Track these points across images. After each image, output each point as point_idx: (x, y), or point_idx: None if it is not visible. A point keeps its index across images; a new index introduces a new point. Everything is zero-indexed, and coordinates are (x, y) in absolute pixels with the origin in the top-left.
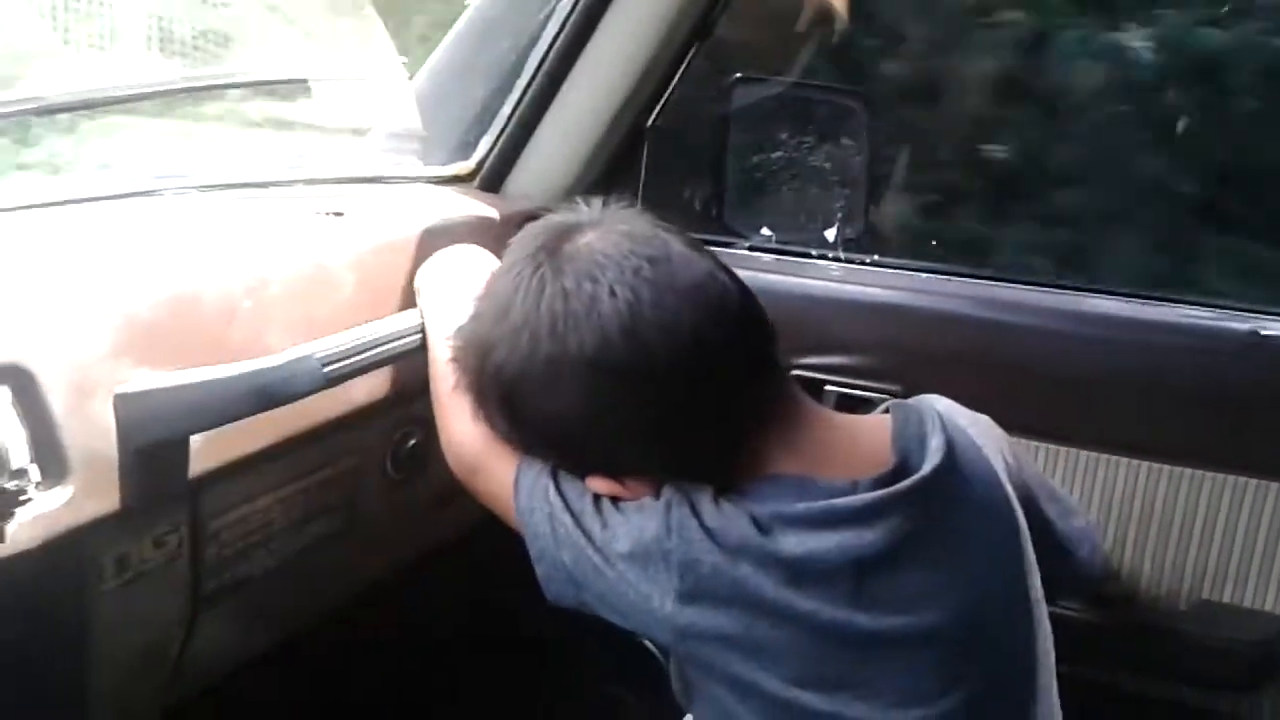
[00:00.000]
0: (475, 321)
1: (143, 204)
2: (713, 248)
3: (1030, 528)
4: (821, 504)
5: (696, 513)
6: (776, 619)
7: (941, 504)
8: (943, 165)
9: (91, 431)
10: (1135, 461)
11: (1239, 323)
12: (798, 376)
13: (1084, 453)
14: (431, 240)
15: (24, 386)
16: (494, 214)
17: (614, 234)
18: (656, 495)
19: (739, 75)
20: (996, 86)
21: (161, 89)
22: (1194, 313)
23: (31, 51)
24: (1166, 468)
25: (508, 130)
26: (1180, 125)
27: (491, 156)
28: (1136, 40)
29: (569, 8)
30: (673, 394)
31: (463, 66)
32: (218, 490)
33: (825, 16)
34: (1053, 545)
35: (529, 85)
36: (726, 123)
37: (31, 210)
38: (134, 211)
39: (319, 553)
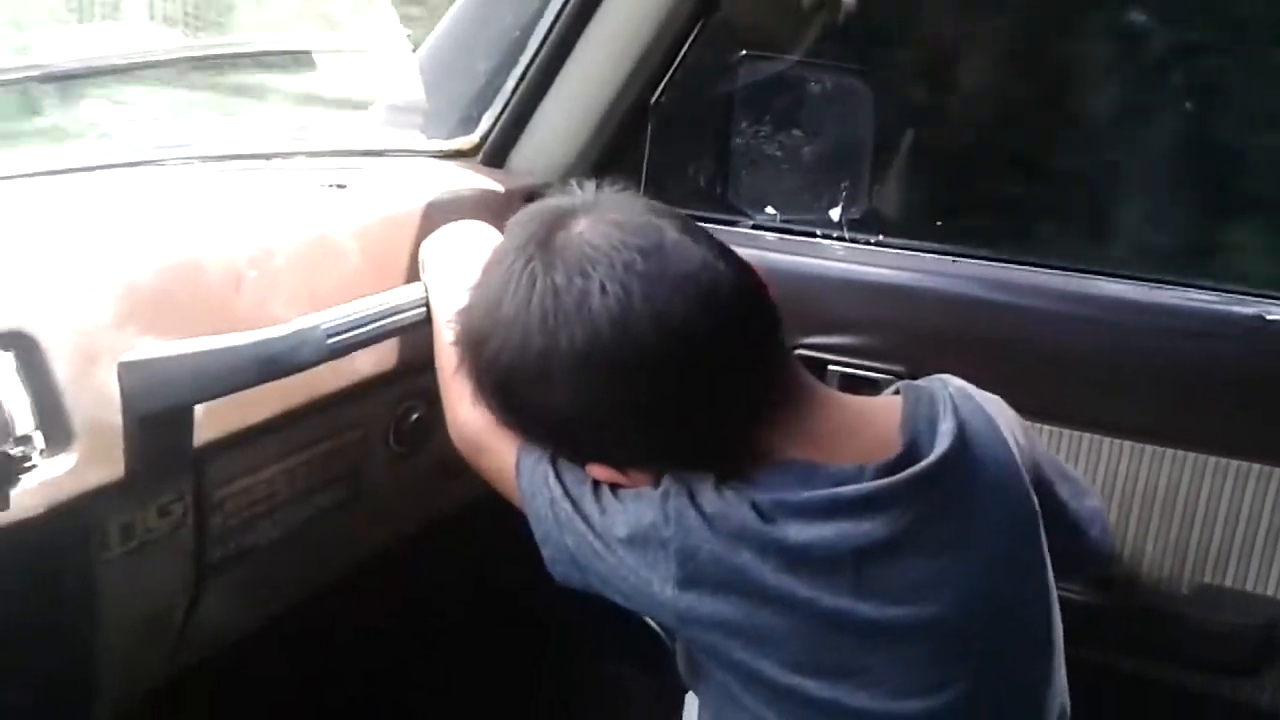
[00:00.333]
0: (468, 313)
1: (146, 174)
2: (715, 226)
3: (1042, 508)
4: (824, 493)
5: (695, 501)
6: (777, 606)
7: (949, 490)
8: (950, 145)
9: (96, 399)
10: (1138, 445)
11: (1245, 306)
12: (800, 356)
13: (1087, 435)
14: (435, 214)
15: (28, 353)
16: (497, 189)
17: (606, 224)
18: (656, 484)
19: (745, 53)
20: (1006, 65)
21: (166, 59)
22: (1200, 296)
23: (38, 19)
24: (1170, 451)
25: (511, 105)
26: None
27: (495, 131)
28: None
29: None
30: (666, 387)
31: (466, 40)
32: (222, 460)
33: None
34: (1065, 526)
35: (533, 60)
36: (732, 100)
37: (37, 178)
38: (138, 181)
39: (323, 524)
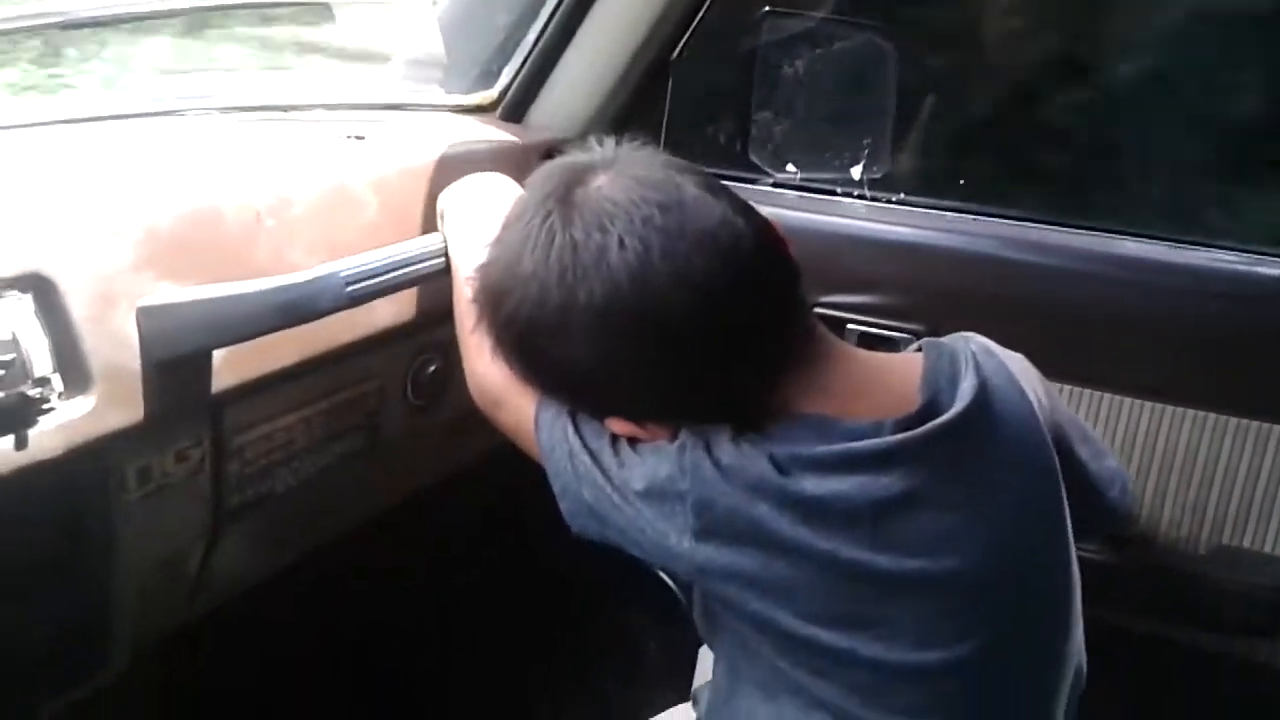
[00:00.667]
0: (487, 268)
1: (165, 123)
2: (735, 184)
3: (1062, 469)
4: (840, 447)
5: (712, 453)
6: (794, 558)
7: (969, 446)
8: (973, 104)
9: (114, 343)
10: (1158, 405)
11: (1269, 267)
12: (819, 315)
13: (1107, 395)
14: (453, 167)
15: (47, 295)
16: (516, 144)
17: (625, 179)
18: (674, 437)
19: (767, 8)
20: (1032, 22)
21: (186, 7)
22: (1223, 256)
23: None
24: (1190, 411)
25: (531, 60)
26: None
27: (514, 87)
28: None
29: None
30: (684, 342)
31: None
32: (240, 407)
33: None
34: (1084, 486)
35: (553, 15)
36: (753, 57)
37: (56, 126)
38: (157, 130)
39: (340, 473)
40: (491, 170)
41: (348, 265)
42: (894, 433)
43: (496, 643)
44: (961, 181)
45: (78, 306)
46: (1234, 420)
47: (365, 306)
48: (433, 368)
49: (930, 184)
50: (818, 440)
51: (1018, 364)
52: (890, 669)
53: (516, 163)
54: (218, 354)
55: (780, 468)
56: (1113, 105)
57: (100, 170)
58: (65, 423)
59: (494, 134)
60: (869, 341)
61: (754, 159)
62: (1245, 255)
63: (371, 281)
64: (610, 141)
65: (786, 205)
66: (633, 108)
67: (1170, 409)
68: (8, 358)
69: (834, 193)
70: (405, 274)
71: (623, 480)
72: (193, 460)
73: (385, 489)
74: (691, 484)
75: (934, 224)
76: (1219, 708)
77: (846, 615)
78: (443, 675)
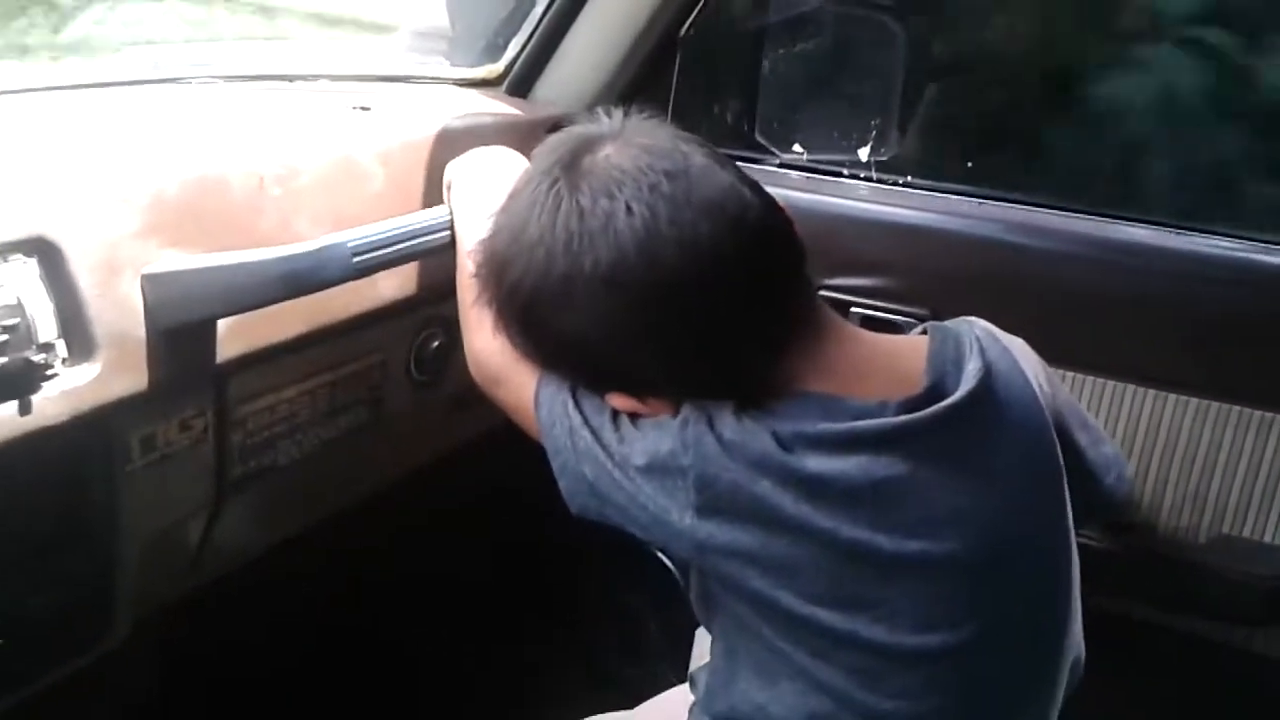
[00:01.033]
0: (492, 238)
1: (171, 91)
2: (741, 164)
3: (1061, 454)
4: (844, 425)
5: (714, 428)
6: (795, 536)
7: (973, 429)
8: (981, 86)
9: (119, 310)
10: (1159, 392)
11: (1272, 255)
12: (822, 298)
13: (1109, 382)
14: (459, 140)
15: (52, 260)
16: (522, 118)
17: (632, 148)
18: (676, 413)
19: None
20: (1041, 4)
21: None
22: (1225, 244)
23: None
24: (1191, 400)
25: (537, 34)
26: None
27: (520, 61)
28: None
29: None
30: (689, 311)
31: None
32: (245, 377)
33: None
34: (1082, 472)
35: None
36: (762, 35)
37: (62, 92)
38: (163, 97)
39: (344, 446)
40: (497, 144)
41: (354, 236)
42: (899, 414)
43: (496, 619)
44: (968, 165)
45: (83, 272)
46: (1235, 409)
47: (369, 280)
48: (436, 343)
49: (937, 167)
50: (822, 418)
51: (1020, 349)
52: (890, 651)
53: (522, 137)
54: (222, 324)
55: (783, 444)
56: (1122, 90)
57: (107, 136)
58: (69, 389)
59: (500, 108)
60: (871, 325)
61: (760, 138)
62: (1248, 243)
63: (378, 253)
64: (618, 113)
65: (792, 186)
66: (640, 84)
67: (1171, 396)
68: (12, 322)
69: (840, 174)
70: (411, 246)
71: (623, 456)
72: (196, 430)
73: (388, 464)
74: (693, 459)
75: (939, 207)
76: (1215, 696)
77: (847, 596)
78: (442, 650)
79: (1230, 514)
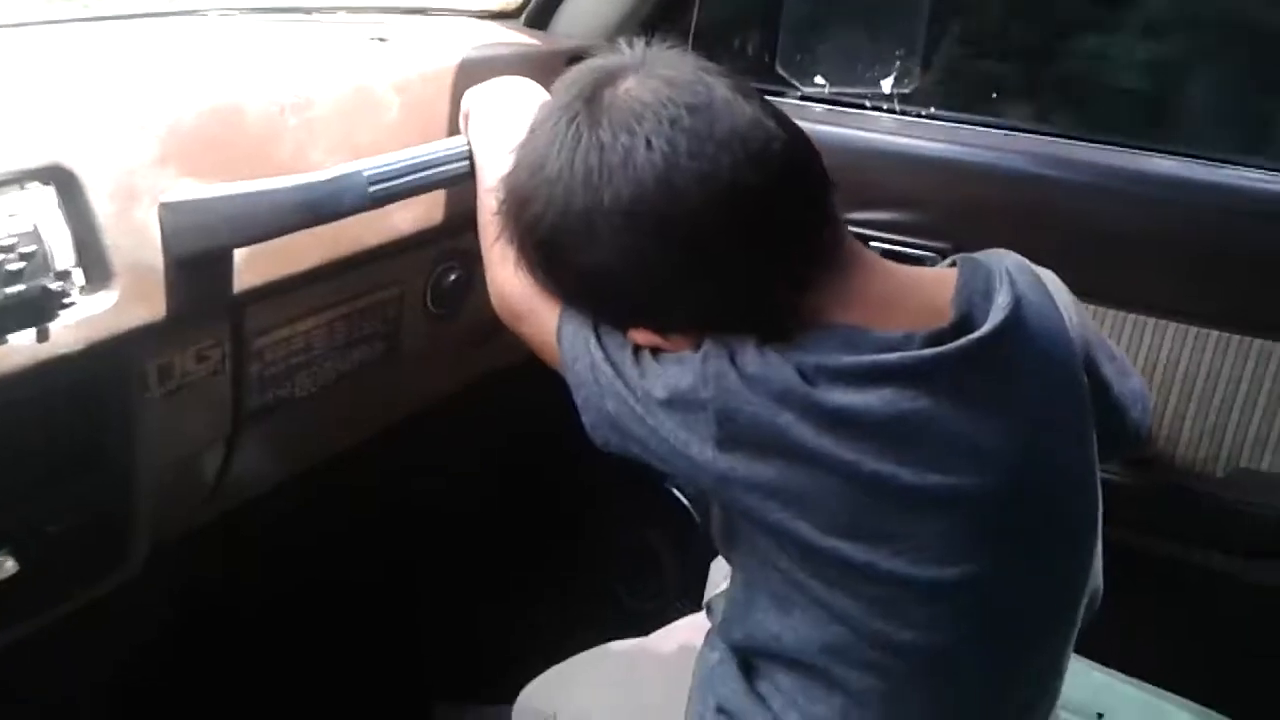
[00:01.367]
0: (513, 175)
1: (189, 23)
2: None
3: (1090, 387)
4: (868, 358)
5: (735, 362)
6: (817, 468)
7: (1000, 364)
8: (1006, 17)
9: (136, 238)
10: (1181, 325)
11: None
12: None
13: (1130, 315)
14: (477, 71)
15: (68, 188)
16: (541, 50)
17: (654, 80)
18: (697, 347)
19: None
20: None
21: None
22: (1254, 175)
23: None
24: (1213, 332)
25: None
26: None
27: None
28: None
29: None
30: (710, 245)
31: None
32: (261, 308)
33: None
34: (1108, 405)
35: None
36: None
37: (80, 24)
38: (181, 30)
39: (360, 379)
40: (516, 75)
41: (371, 165)
42: (924, 346)
43: (510, 553)
44: (994, 95)
45: (100, 200)
46: (1255, 341)
47: (386, 211)
48: (453, 276)
49: (960, 97)
50: (846, 351)
51: (1052, 281)
52: (910, 583)
53: (541, 68)
54: (239, 255)
55: (806, 378)
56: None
57: (123, 67)
58: (86, 317)
59: (518, 39)
60: (894, 259)
61: (782, 70)
62: (1276, 174)
63: (395, 182)
64: (640, 43)
65: (814, 119)
66: (660, 15)
67: (1192, 329)
68: (29, 250)
69: (863, 106)
70: (429, 176)
71: (644, 390)
72: (213, 360)
73: (404, 397)
74: (715, 393)
75: (964, 139)
76: (1229, 629)
77: (867, 528)
78: (455, 585)
79: (1248, 448)
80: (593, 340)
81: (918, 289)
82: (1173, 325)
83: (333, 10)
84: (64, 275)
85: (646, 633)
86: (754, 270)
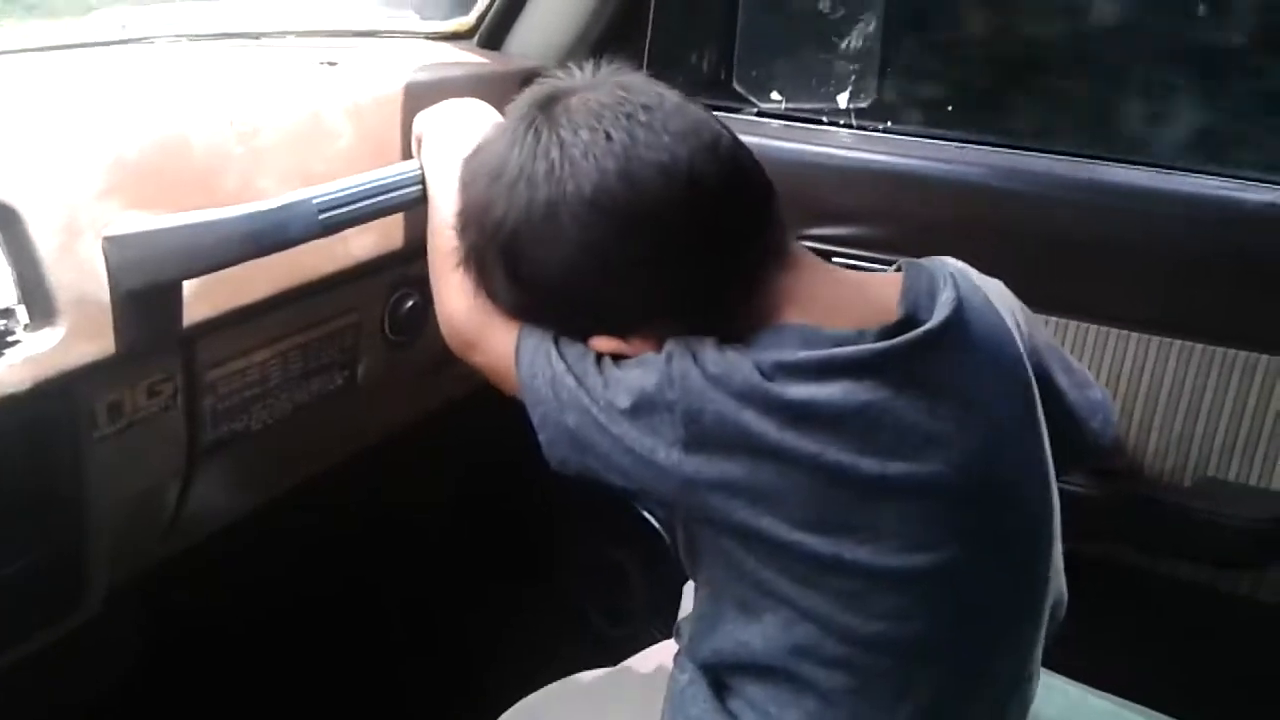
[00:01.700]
0: (470, 185)
1: (134, 51)
2: (719, 113)
3: (1042, 396)
4: (824, 352)
5: (699, 362)
6: (781, 463)
7: (949, 356)
8: (962, 30)
9: (81, 273)
10: (1144, 335)
11: (1258, 194)
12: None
13: (1093, 326)
14: (430, 94)
15: (10, 225)
16: (495, 71)
17: (608, 87)
18: (659, 351)
19: None
20: None
21: None
22: (1212, 183)
23: None
24: (1176, 342)
25: None
26: None
27: (491, 12)
28: None
29: None
30: (672, 235)
31: None
32: (213, 340)
33: None
34: (1063, 415)
35: None
36: None
37: (24, 54)
38: (125, 57)
39: (318, 410)
40: (469, 97)
41: (320, 192)
42: (877, 340)
43: (478, 582)
44: (949, 109)
45: (43, 236)
46: (1219, 350)
47: (340, 238)
48: (410, 302)
49: (917, 111)
50: (801, 347)
51: (995, 288)
52: (876, 573)
53: (495, 90)
54: (189, 286)
55: (766, 374)
56: (1104, 29)
57: (66, 98)
58: (32, 355)
59: (471, 61)
60: None
61: (738, 87)
62: (1233, 181)
63: (345, 209)
64: (590, 66)
65: (770, 135)
66: (614, 34)
67: (1155, 339)
68: None
69: (820, 121)
70: (380, 202)
71: (608, 401)
72: (165, 395)
73: (364, 427)
74: (679, 393)
75: (921, 152)
76: (1200, 640)
77: (833, 520)
78: (424, 615)
79: (1215, 457)
80: (554, 353)
81: (865, 291)
82: (1135, 335)
83: (282, 35)
84: (7, 313)
85: (617, 661)
86: (711, 263)
